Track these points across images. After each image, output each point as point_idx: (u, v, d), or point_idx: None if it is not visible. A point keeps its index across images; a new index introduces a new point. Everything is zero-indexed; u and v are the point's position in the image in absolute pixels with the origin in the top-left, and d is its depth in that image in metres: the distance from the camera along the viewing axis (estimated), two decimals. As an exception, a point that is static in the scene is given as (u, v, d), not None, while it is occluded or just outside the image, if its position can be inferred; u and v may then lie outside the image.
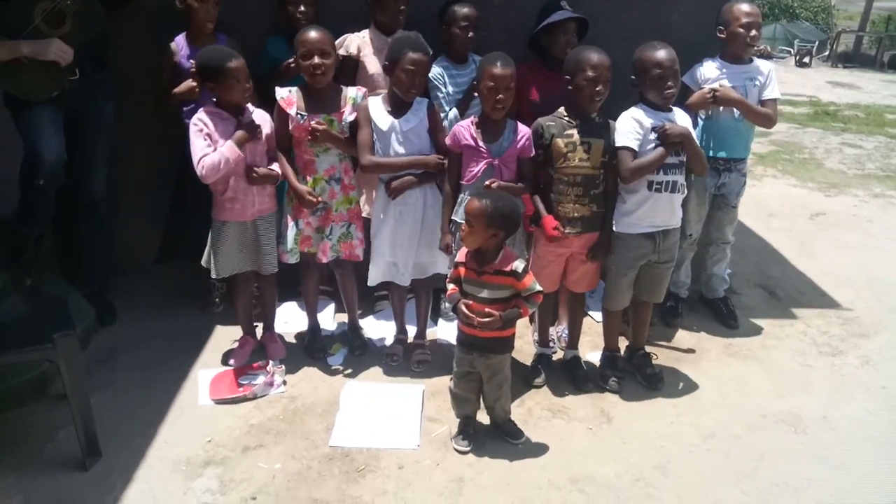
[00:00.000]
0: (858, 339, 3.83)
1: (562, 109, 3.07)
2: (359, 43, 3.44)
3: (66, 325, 2.60)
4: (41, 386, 2.97)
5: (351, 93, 3.15)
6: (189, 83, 3.28)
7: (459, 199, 3.06)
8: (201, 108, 3.04)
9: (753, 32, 3.45)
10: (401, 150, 3.08)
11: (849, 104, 11.51)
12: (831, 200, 6.31)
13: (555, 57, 3.43)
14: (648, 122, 2.99)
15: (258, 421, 2.98)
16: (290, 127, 3.09)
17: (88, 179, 3.42)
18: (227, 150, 2.94)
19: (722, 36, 3.51)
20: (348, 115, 3.11)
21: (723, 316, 3.95)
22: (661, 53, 2.94)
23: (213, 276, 3.22)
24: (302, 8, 3.38)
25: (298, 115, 3.07)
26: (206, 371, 3.29)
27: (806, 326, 3.95)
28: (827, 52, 18.96)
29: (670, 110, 3.07)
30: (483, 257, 2.67)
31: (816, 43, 18.73)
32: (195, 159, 2.94)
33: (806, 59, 17.51)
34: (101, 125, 3.43)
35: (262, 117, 3.12)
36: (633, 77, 3.05)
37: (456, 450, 2.83)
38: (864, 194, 6.49)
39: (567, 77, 2.99)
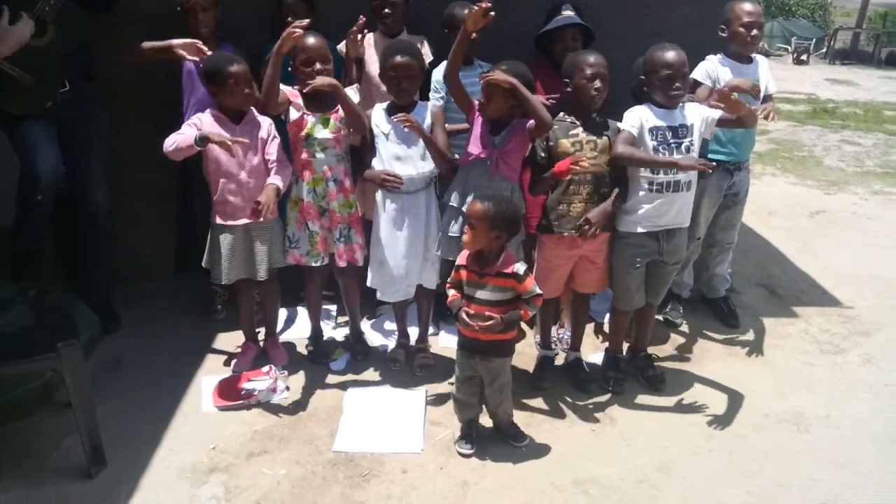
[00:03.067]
0: (860, 337, 3.84)
1: (561, 114, 3.08)
2: (364, 43, 3.44)
3: (69, 334, 2.61)
4: (46, 395, 2.99)
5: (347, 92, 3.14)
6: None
7: (454, 181, 3.10)
8: (207, 110, 3.07)
9: (754, 32, 3.44)
10: (405, 151, 3.11)
11: (847, 101, 11.51)
12: (831, 198, 6.31)
13: (557, 62, 3.45)
14: (653, 122, 2.98)
15: (262, 427, 2.99)
16: (289, 122, 3.12)
17: (89, 191, 3.41)
18: (186, 131, 2.95)
19: (724, 35, 3.50)
20: (343, 114, 3.11)
21: (724, 315, 3.95)
22: (671, 54, 2.94)
23: (213, 281, 3.24)
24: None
25: (302, 114, 3.09)
26: (210, 378, 3.30)
27: (807, 325, 3.96)
28: (824, 49, 18.93)
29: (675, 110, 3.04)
30: (484, 259, 2.68)
31: (814, 40, 18.69)
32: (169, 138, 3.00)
33: (803, 57, 17.49)
34: (95, 136, 3.42)
35: (264, 122, 3.13)
36: (641, 77, 3.05)
37: (459, 453, 2.84)
38: (864, 192, 6.50)
39: (566, 80, 3.01)
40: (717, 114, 3.03)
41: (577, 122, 3.03)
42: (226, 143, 2.89)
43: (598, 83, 2.94)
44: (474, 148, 3.02)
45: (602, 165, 3.02)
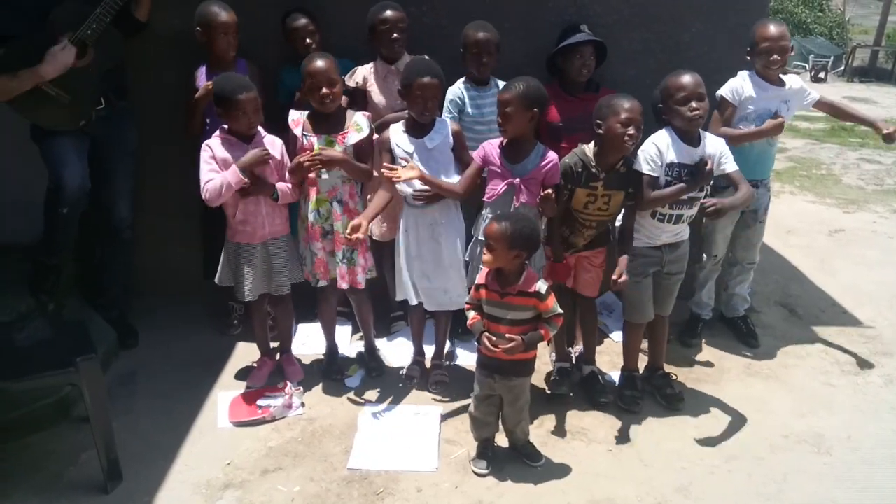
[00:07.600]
0: (881, 357, 3.78)
1: (589, 152, 3.01)
2: (365, 74, 3.50)
3: (87, 348, 2.63)
4: (63, 409, 2.98)
5: (357, 118, 3.17)
6: (206, 85, 3.33)
7: (481, 216, 3.10)
8: (215, 133, 3.10)
9: (775, 56, 3.40)
10: (425, 169, 3.08)
11: (866, 119, 11.43)
12: (850, 217, 6.25)
13: (571, 79, 3.49)
14: (671, 155, 2.99)
15: (277, 443, 2.99)
16: (297, 147, 3.15)
17: (114, 207, 3.48)
18: (229, 174, 2.99)
19: (749, 58, 3.50)
20: (350, 139, 3.12)
21: (743, 335, 3.91)
22: (686, 78, 2.94)
23: (237, 299, 3.27)
24: (307, 41, 3.45)
25: (303, 136, 3.13)
26: (226, 393, 3.31)
27: (827, 345, 3.90)
28: (842, 67, 18.88)
29: (699, 142, 3.03)
30: (505, 279, 2.66)
31: (832, 58, 18.63)
32: (201, 183, 3.02)
33: (821, 75, 17.44)
34: (124, 152, 3.50)
35: (272, 142, 3.14)
36: (659, 105, 3.04)
37: (475, 472, 2.82)
38: (884, 210, 6.43)
39: (598, 122, 2.92)
40: (731, 167, 3.05)
41: (601, 175, 2.99)
42: (261, 159, 3.02)
43: (632, 129, 2.86)
44: (495, 184, 3.03)
45: (609, 215, 3.09)
